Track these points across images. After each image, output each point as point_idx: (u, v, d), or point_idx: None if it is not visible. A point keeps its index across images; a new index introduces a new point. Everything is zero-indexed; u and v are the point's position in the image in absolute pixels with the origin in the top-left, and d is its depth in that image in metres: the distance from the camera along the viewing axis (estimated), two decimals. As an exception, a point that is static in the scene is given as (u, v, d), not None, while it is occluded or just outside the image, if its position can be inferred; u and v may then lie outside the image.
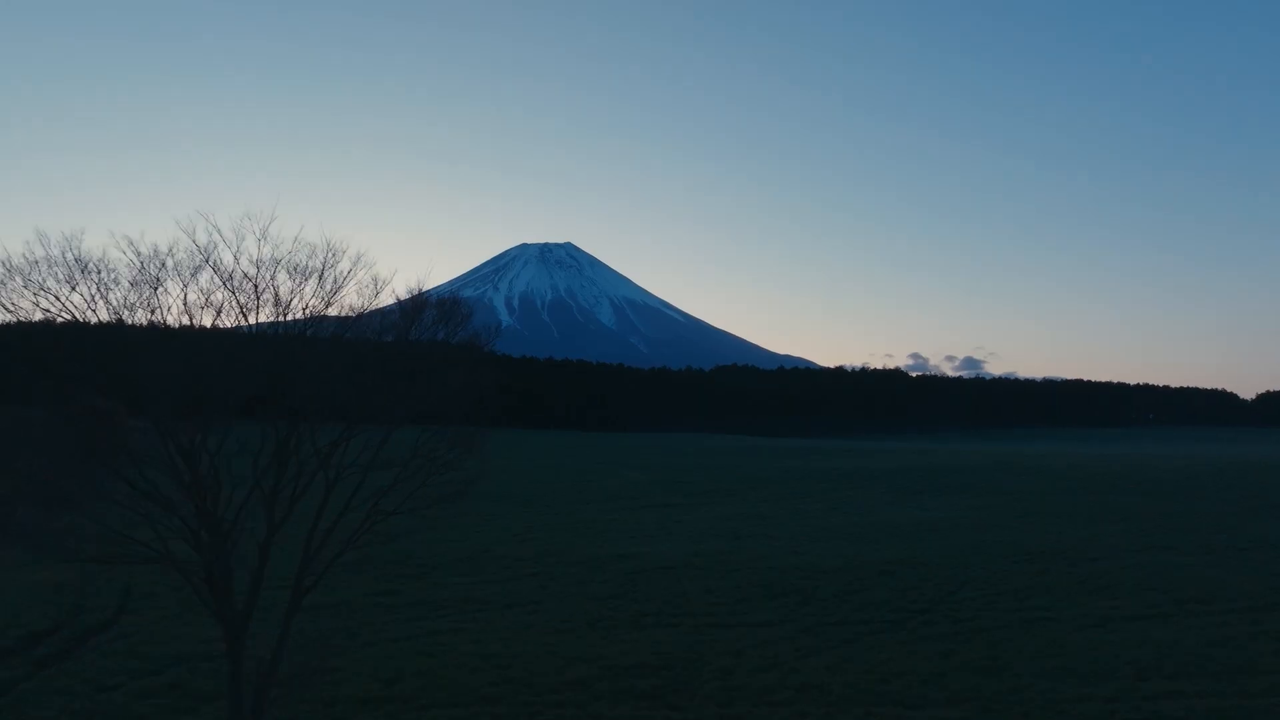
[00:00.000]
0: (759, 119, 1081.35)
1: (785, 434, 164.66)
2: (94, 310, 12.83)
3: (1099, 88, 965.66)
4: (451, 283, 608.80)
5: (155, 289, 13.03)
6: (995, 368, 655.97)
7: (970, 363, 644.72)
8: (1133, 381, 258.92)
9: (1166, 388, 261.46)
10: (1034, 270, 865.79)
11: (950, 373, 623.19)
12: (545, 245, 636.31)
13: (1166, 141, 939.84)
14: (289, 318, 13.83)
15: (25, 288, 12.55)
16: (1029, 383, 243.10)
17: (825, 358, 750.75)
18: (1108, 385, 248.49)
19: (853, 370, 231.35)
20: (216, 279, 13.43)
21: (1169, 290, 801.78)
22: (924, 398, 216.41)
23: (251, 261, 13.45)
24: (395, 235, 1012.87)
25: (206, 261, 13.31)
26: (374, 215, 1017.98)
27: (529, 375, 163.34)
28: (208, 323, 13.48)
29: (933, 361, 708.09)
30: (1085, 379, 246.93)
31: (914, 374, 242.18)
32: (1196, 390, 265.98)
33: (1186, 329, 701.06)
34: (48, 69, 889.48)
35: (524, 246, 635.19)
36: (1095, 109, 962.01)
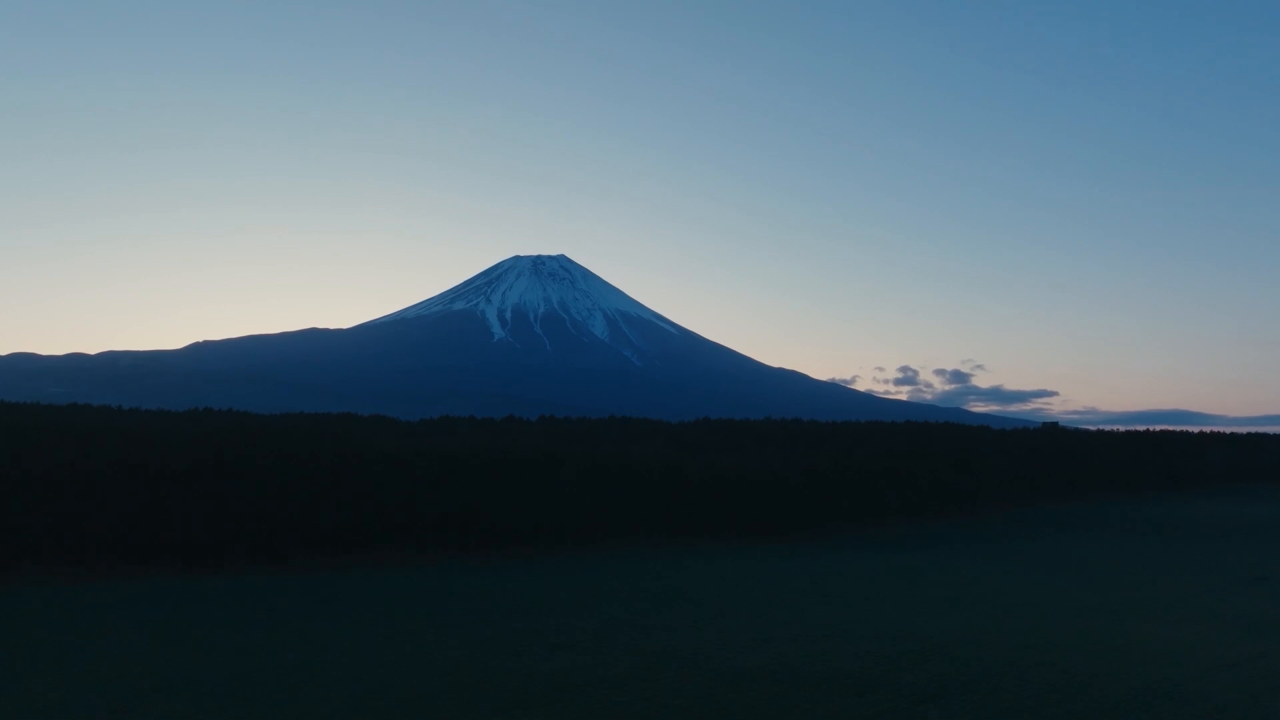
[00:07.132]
0: (755, 131, 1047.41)
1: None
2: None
3: (1094, 91, 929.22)
4: (443, 295, 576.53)
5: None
6: (982, 380, 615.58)
7: (958, 375, 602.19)
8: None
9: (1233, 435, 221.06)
10: (1018, 281, 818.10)
11: (941, 388, 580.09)
12: (538, 257, 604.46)
13: (1156, 146, 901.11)
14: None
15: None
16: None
17: (817, 371, 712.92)
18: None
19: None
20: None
21: (1161, 299, 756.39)
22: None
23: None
24: (387, 246, 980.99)
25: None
26: (366, 225, 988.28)
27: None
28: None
29: (922, 375, 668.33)
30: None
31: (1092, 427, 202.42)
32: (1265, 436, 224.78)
33: (1180, 344, 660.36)
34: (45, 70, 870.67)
35: (517, 259, 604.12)
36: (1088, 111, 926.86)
